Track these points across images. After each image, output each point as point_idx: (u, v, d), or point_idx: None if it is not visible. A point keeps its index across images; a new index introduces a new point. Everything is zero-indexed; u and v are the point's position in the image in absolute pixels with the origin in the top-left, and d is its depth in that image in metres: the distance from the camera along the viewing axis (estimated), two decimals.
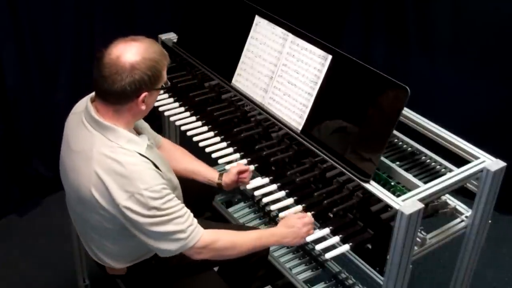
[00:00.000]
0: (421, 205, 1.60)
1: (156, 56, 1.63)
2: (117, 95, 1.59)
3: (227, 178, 2.02)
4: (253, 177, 1.99)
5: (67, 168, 1.71)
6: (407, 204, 1.61)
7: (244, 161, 2.02)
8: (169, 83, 1.72)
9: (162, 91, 2.37)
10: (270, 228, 1.87)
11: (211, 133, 2.15)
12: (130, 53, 1.59)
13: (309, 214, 1.80)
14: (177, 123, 2.23)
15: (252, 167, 2.01)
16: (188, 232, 1.64)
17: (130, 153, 1.61)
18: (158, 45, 1.68)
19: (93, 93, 1.69)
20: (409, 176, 1.87)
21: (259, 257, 2.09)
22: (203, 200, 2.31)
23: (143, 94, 1.61)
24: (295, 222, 1.79)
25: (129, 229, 1.64)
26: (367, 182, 1.71)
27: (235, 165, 2.03)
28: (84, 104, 1.71)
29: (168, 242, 1.63)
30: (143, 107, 1.65)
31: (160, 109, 2.30)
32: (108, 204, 1.60)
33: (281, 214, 1.83)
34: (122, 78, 1.57)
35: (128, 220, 1.60)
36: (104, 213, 1.62)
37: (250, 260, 2.06)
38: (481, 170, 1.78)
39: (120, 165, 1.58)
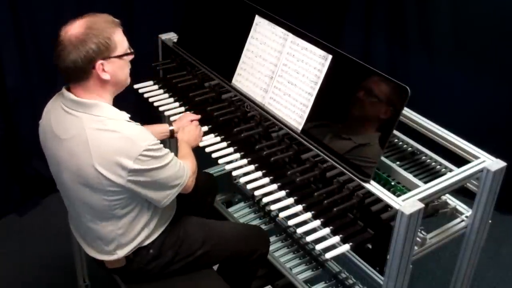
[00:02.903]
0: (421, 205, 1.60)
1: (101, 24, 1.67)
2: (72, 70, 1.64)
3: (179, 124, 2.16)
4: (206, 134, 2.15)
5: (61, 159, 1.73)
6: (407, 204, 1.61)
7: (245, 161, 2.02)
8: (132, 50, 1.76)
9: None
10: (181, 143, 2.03)
11: (211, 133, 2.15)
12: (74, 27, 1.66)
13: (186, 116, 2.16)
14: None
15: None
16: (182, 169, 1.80)
17: (119, 121, 1.68)
18: (107, 16, 1.73)
19: (61, 91, 1.75)
20: (409, 176, 1.87)
21: (259, 255, 2.09)
22: (202, 201, 2.31)
23: (98, 63, 1.65)
24: (187, 130, 2.09)
25: (138, 193, 1.70)
26: (367, 182, 1.71)
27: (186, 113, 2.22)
28: (54, 101, 1.77)
29: (171, 186, 1.76)
30: (106, 77, 1.68)
31: (160, 109, 2.30)
32: (117, 176, 1.64)
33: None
34: (69, 52, 1.62)
35: (139, 180, 1.67)
36: (113, 188, 1.67)
37: (249, 258, 2.06)
38: (481, 170, 1.78)
39: (116, 133, 1.64)
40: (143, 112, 2.38)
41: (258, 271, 2.26)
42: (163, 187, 1.75)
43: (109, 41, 1.66)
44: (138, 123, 1.72)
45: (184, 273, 1.94)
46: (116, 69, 1.71)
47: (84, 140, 1.65)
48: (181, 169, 1.79)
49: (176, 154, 1.86)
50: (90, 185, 1.69)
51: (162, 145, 1.73)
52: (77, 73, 1.65)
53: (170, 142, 2.50)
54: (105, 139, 1.64)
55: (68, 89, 1.72)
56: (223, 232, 2.06)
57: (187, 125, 2.12)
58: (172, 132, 2.16)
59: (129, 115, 1.74)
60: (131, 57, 1.77)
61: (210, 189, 2.37)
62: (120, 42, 1.71)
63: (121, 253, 1.82)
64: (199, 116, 2.19)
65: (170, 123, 2.19)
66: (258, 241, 2.12)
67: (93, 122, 1.66)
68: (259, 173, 1.96)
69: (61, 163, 1.74)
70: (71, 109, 1.69)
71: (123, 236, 1.80)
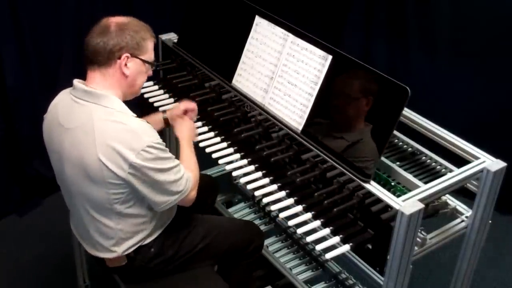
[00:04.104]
0: (421, 205, 1.60)
1: (142, 27, 1.77)
2: (100, 51, 1.70)
3: (173, 113, 2.12)
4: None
5: (64, 150, 1.74)
6: (408, 204, 1.61)
7: (245, 161, 2.02)
8: (156, 64, 1.84)
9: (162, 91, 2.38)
10: (182, 143, 2.00)
11: (212, 133, 2.15)
12: (118, 18, 1.76)
13: (179, 106, 2.10)
14: None
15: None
16: (185, 178, 1.78)
17: (127, 116, 1.71)
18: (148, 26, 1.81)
19: (70, 87, 1.78)
20: (409, 176, 1.87)
21: (254, 248, 2.10)
22: (204, 202, 2.31)
23: (124, 55, 1.71)
24: (184, 124, 2.06)
25: (137, 190, 1.70)
26: (367, 182, 1.71)
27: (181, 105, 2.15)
28: (63, 94, 1.81)
29: (171, 192, 1.75)
30: (127, 71, 1.73)
31: (161, 109, 2.30)
32: (119, 168, 1.65)
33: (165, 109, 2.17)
34: (105, 34, 1.70)
35: (138, 176, 1.67)
36: (113, 181, 1.68)
37: (245, 250, 2.07)
38: (481, 170, 1.78)
39: (123, 124, 1.67)
40: (143, 112, 2.37)
41: (258, 271, 2.26)
42: (162, 191, 1.74)
43: (143, 42, 1.76)
44: (144, 120, 1.74)
45: (185, 269, 1.95)
46: (136, 71, 1.76)
47: (90, 129, 1.67)
48: (184, 179, 1.78)
49: (176, 154, 1.86)
50: (92, 176, 1.69)
51: (167, 149, 1.73)
52: (102, 56, 1.70)
53: (170, 140, 2.50)
54: (111, 129, 1.66)
55: (80, 82, 1.75)
56: (221, 225, 2.08)
57: (184, 120, 2.08)
58: (166, 121, 2.14)
59: (136, 115, 1.75)
60: (151, 70, 1.83)
61: (211, 190, 2.37)
62: (150, 50, 1.80)
63: (120, 250, 1.83)
64: (193, 104, 2.14)
65: (164, 112, 2.15)
66: (252, 233, 2.13)
67: (102, 112, 1.69)
68: (259, 174, 1.96)
69: (63, 155, 1.75)
70: (81, 99, 1.72)
71: (122, 233, 1.80)
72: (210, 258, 2.02)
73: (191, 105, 2.13)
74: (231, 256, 2.06)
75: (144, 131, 1.68)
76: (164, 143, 1.73)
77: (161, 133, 2.59)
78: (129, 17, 1.78)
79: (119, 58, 1.71)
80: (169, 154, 1.73)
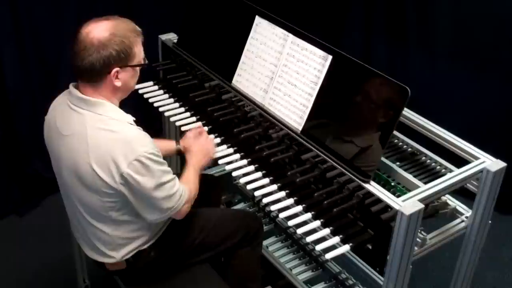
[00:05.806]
0: (421, 206, 1.60)
1: (126, 33, 1.68)
2: (88, 71, 1.64)
3: (185, 143, 2.07)
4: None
5: (62, 155, 1.73)
6: (407, 204, 1.61)
7: (245, 161, 2.02)
8: (146, 61, 1.77)
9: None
10: (189, 164, 1.95)
11: (212, 134, 2.15)
12: (98, 29, 1.65)
13: (199, 125, 2.11)
14: (178, 123, 2.23)
15: (206, 128, 2.14)
16: (178, 194, 1.74)
17: (121, 123, 1.67)
18: (131, 23, 1.73)
19: (68, 88, 1.75)
20: (409, 176, 1.87)
21: (255, 232, 2.09)
22: (207, 201, 2.30)
23: (114, 70, 1.66)
24: (198, 145, 1.99)
25: (129, 201, 1.68)
26: (367, 182, 1.71)
27: (189, 127, 2.15)
28: (61, 97, 1.78)
29: (162, 210, 1.72)
30: (118, 83, 1.69)
31: (161, 109, 2.30)
32: (110, 177, 1.63)
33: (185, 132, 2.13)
34: (89, 54, 1.62)
35: (130, 188, 1.65)
36: (106, 190, 1.66)
37: (246, 237, 2.06)
38: (481, 171, 1.78)
39: (116, 133, 1.63)
40: (143, 113, 2.38)
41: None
42: (153, 207, 1.71)
43: (130, 50, 1.68)
44: (140, 128, 1.71)
45: (185, 264, 1.95)
46: (128, 78, 1.72)
47: (84, 137, 1.65)
48: (177, 194, 1.74)
49: (180, 172, 1.83)
50: (86, 184, 1.69)
51: (164, 161, 1.69)
52: (92, 75, 1.65)
53: (169, 129, 2.49)
54: (104, 138, 1.64)
55: (76, 87, 1.72)
56: (216, 215, 2.07)
57: (193, 144, 2.02)
58: (179, 151, 2.10)
59: (134, 118, 1.73)
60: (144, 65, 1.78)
61: (214, 189, 2.35)
62: (139, 52, 1.72)
63: (118, 255, 1.82)
64: (203, 129, 2.12)
65: (177, 142, 2.11)
66: (247, 218, 2.12)
67: (96, 120, 1.66)
68: (259, 174, 1.96)
69: (61, 160, 1.74)
70: (76, 106, 1.70)
71: (119, 239, 1.79)
72: (210, 250, 2.01)
73: (199, 129, 2.11)
74: (231, 244, 2.04)
75: (138, 140, 1.64)
76: (161, 154, 1.69)
77: (160, 130, 2.59)
78: (108, 20, 1.68)
79: (109, 73, 1.66)
80: (165, 167, 1.69)
